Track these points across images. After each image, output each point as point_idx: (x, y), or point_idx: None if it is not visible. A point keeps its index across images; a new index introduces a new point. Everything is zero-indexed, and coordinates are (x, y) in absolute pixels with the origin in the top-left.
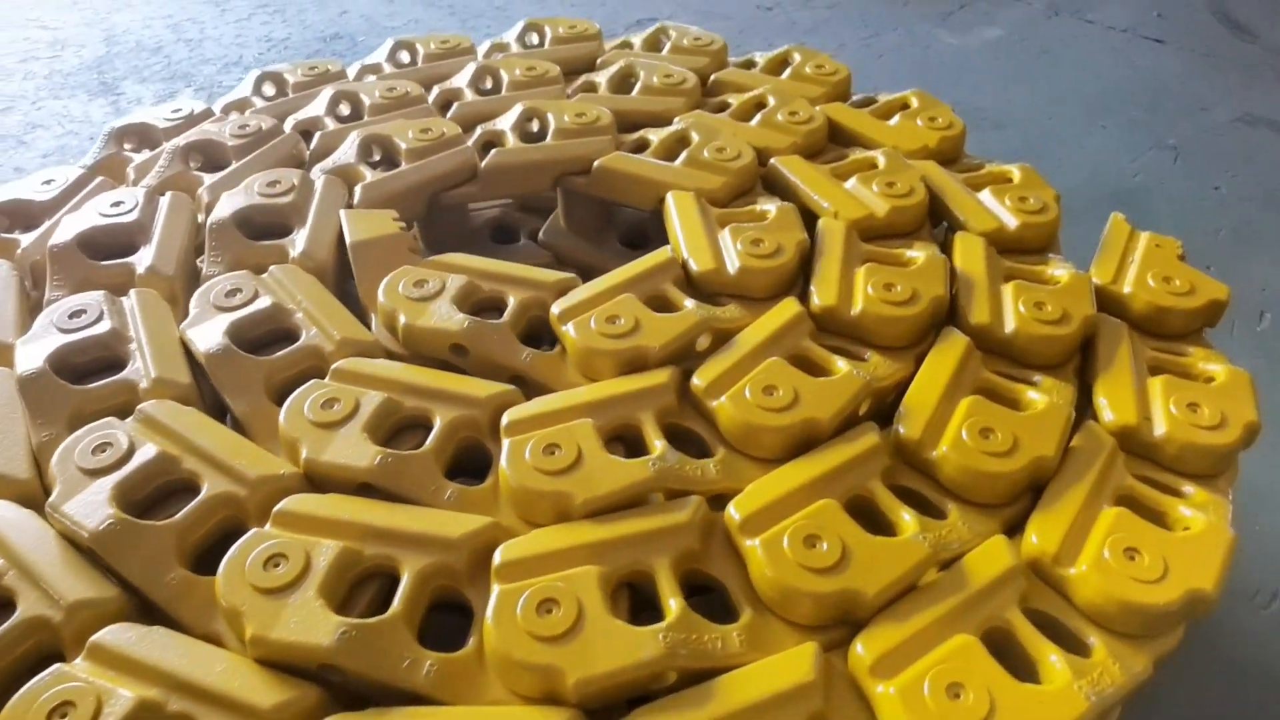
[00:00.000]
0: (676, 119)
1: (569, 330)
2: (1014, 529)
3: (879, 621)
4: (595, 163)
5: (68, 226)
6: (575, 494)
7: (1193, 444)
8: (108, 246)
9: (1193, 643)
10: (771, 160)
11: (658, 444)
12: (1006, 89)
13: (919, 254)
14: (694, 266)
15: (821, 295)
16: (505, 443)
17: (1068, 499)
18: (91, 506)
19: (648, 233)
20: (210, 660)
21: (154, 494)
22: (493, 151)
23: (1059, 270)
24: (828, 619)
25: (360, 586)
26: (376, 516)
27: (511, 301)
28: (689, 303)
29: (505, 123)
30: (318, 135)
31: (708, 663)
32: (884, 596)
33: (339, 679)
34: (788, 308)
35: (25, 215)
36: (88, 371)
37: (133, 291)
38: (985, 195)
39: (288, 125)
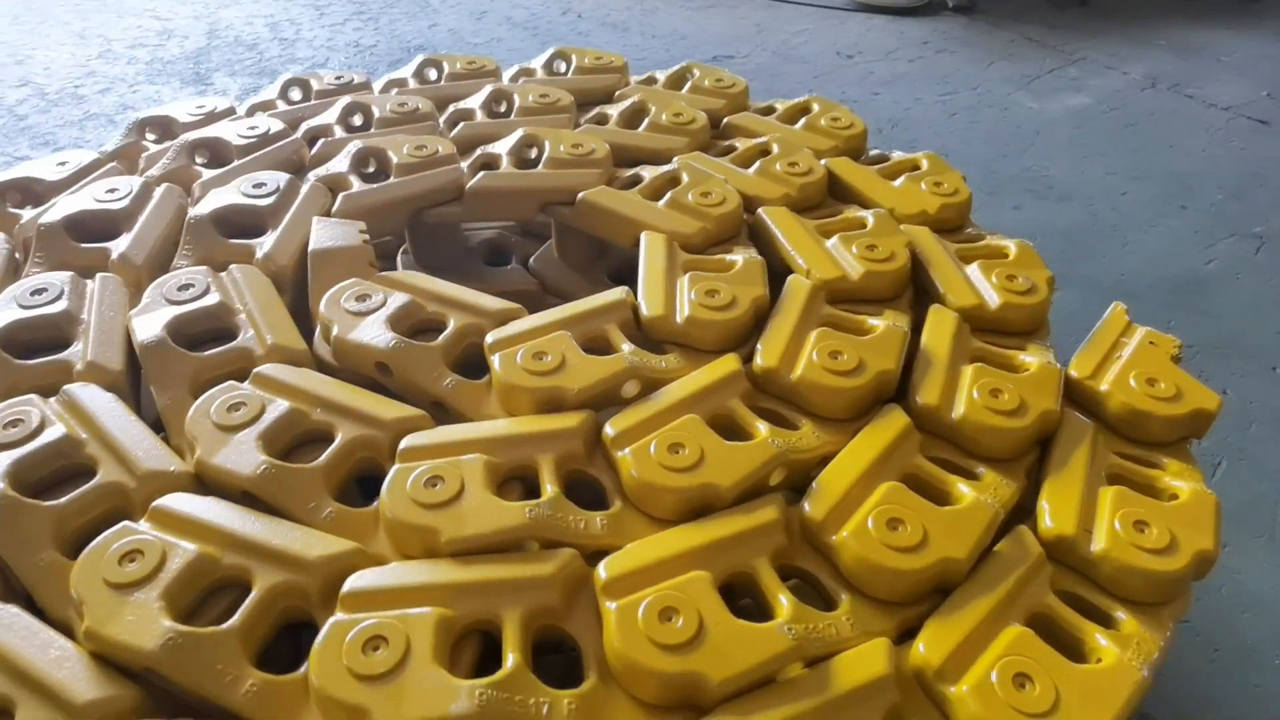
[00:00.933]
0: (674, 159)
1: (494, 361)
2: (913, 633)
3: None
4: (579, 195)
5: (60, 207)
6: (443, 531)
7: (1131, 566)
8: (94, 230)
9: None
10: (759, 210)
11: (549, 489)
12: (1081, 160)
13: (880, 323)
14: (644, 311)
15: (764, 356)
16: (392, 470)
17: (969, 610)
18: None
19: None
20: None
21: (55, 475)
22: (479, 174)
23: (1031, 358)
24: (670, 700)
25: (221, 594)
26: (244, 526)
27: (451, 325)
28: (625, 347)
29: (503, 147)
30: (320, 142)
31: None
32: (730, 686)
33: (164, 684)
34: (725, 364)
35: (34, 193)
36: (38, 348)
37: (98, 276)
38: (973, 269)
39: (300, 130)
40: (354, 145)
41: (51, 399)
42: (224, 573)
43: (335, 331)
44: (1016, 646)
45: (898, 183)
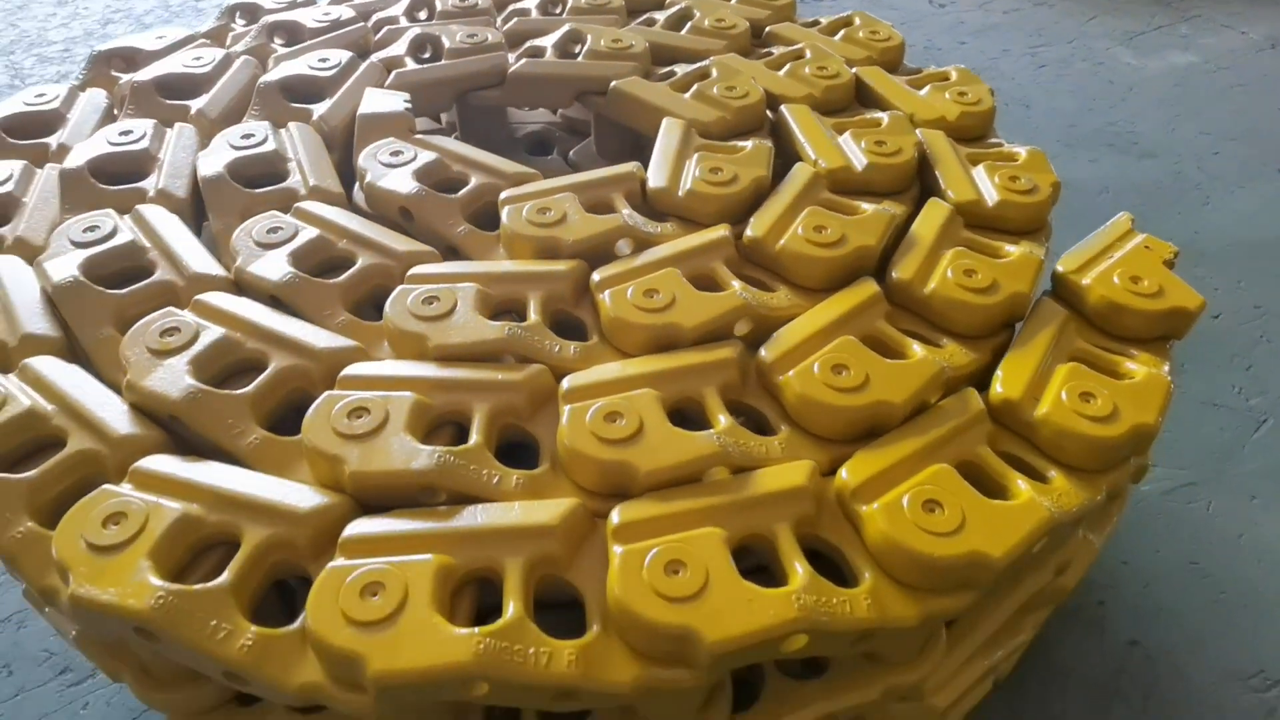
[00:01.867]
0: (709, 58)
1: (504, 213)
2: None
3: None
4: (611, 84)
5: (152, 69)
6: (431, 338)
7: (1068, 429)
8: (180, 90)
9: None
10: (781, 106)
11: (533, 316)
12: (1174, 119)
13: (870, 207)
14: (650, 183)
15: (754, 227)
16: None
17: (897, 447)
18: None
19: None
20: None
21: (122, 274)
22: (520, 61)
23: (1016, 248)
24: (607, 488)
25: (210, 551)
26: (229, 482)
27: (472, 182)
28: (624, 211)
29: (549, 40)
30: (384, 30)
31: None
32: (657, 477)
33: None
34: (714, 231)
35: (134, 60)
36: (120, 177)
37: (176, 125)
38: (979, 170)
39: (370, 20)
40: (412, 31)
41: (125, 215)
42: (211, 530)
43: (368, 178)
44: (934, 478)
45: (923, 92)
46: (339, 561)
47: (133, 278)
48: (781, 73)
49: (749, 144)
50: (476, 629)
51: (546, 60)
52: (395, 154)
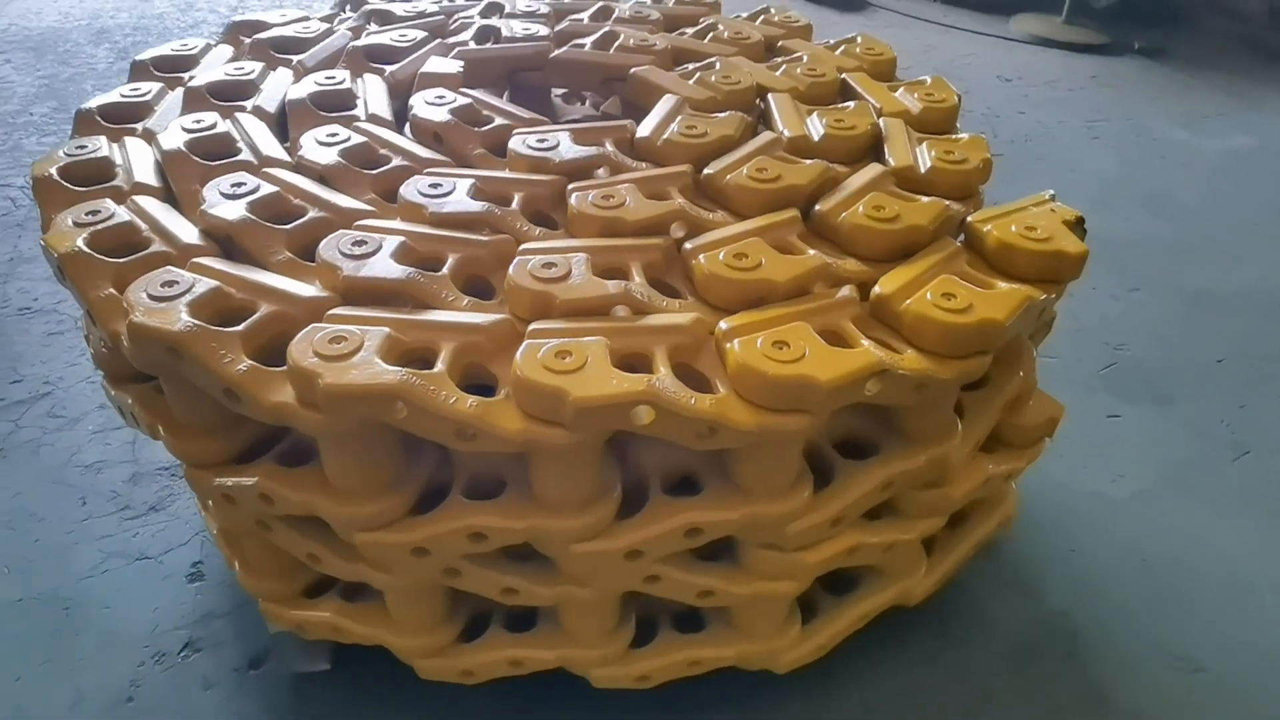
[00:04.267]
0: (717, 57)
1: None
2: None
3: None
4: (631, 71)
5: (270, 32)
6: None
7: (925, 315)
8: (288, 48)
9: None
10: (768, 94)
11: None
12: (1217, 190)
13: (811, 162)
14: (638, 134)
15: (712, 168)
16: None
17: (775, 310)
18: None
19: None
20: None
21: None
22: (561, 49)
23: (927, 199)
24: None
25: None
26: (254, 274)
27: (495, 121)
28: (609, 146)
29: (590, 38)
30: (458, 21)
31: None
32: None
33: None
34: (678, 169)
35: (259, 28)
36: (232, 96)
37: (279, 68)
38: (921, 147)
39: (452, 17)
40: (479, 23)
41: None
42: (236, 302)
43: (412, 111)
44: (790, 330)
45: (899, 93)
46: (318, 325)
47: (219, 156)
48: (777, 72)
49: (727, 114)
50: (407, 369)
51: (581, 50)
52: (440, 97)
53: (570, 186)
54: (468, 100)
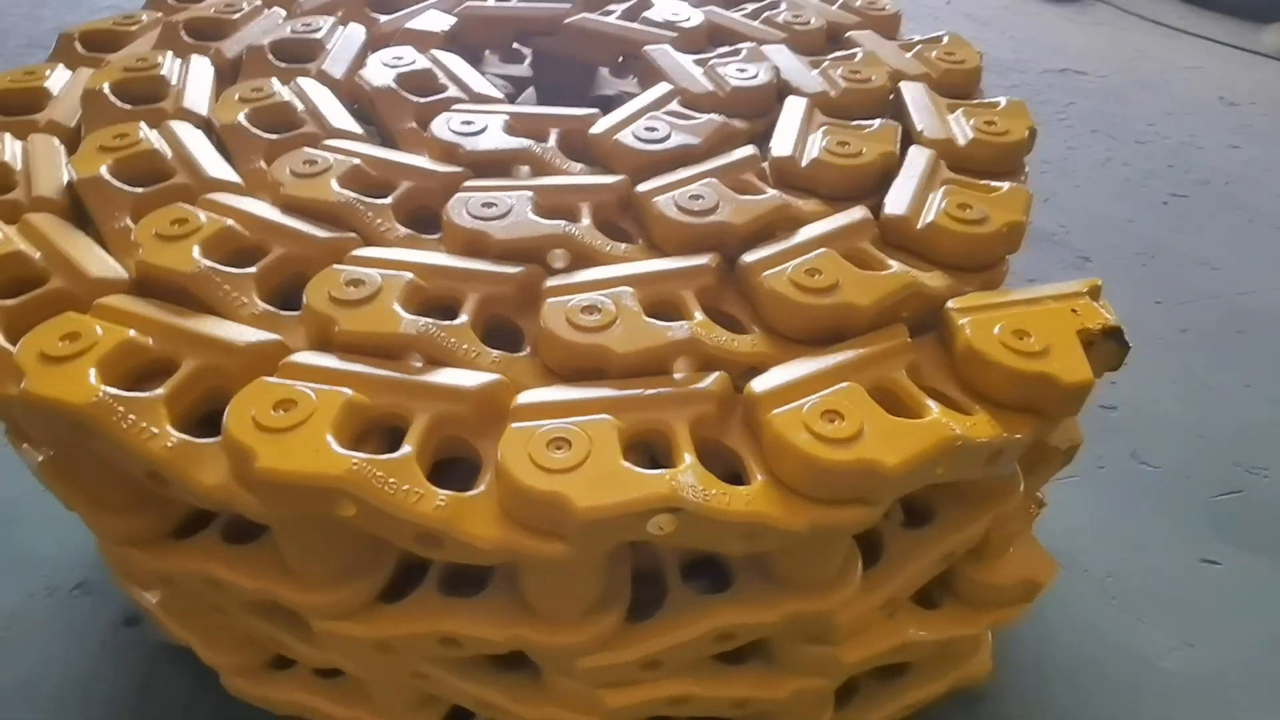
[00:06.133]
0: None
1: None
2: None
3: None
4: (643, 49)
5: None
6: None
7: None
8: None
9: None
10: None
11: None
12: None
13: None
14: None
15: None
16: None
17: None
18: None
19: None
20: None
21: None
22: (575, 16)
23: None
24: None
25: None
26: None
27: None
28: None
29: (619, 8)
30: None
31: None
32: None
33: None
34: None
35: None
36: (298, 58)
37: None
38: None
39: None
40: None
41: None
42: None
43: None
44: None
45: (954, 115)
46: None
47: (280, 129)
48: (815, 71)
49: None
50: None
51: (596, 18)
52: (397, 58)
53: (464, 185)
54: (427, 65)
